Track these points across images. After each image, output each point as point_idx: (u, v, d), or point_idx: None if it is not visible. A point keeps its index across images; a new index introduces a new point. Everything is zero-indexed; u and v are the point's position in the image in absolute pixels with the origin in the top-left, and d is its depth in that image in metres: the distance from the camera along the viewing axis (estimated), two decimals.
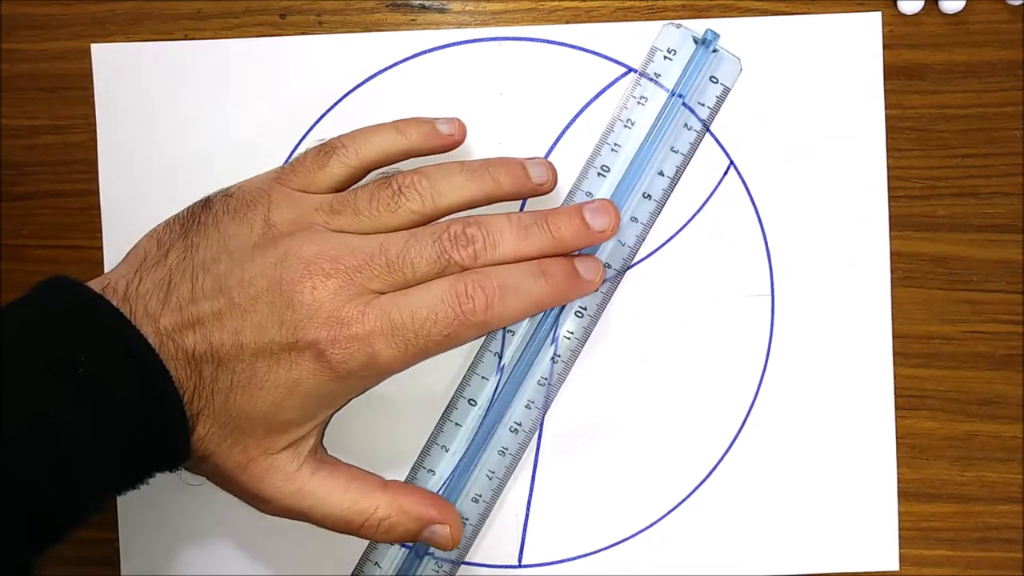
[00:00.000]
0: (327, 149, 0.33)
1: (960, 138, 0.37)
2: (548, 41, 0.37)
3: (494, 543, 0.37)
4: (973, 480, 0.37)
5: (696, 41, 0.36)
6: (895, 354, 0.37)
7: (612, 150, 0.36)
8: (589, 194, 0.36)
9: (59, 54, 0.37)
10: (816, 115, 0.37)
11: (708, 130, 0.37)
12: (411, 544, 0.35)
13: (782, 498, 0.37)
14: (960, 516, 0.37)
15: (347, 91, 0.37)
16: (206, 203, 0.32)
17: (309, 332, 0.30)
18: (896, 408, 0.37)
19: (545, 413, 0.36)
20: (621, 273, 0.37)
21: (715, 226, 0.37)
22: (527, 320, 0.36)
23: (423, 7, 0.37)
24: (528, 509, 0.37)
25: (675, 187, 0.36)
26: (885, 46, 0.37)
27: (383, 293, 0.31)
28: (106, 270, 0.37)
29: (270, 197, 0.32)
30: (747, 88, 0.37)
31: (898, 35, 0.37)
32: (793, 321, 0.37)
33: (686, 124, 0.36)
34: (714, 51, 0.36)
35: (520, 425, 0.36)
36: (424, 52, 0.37)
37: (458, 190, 0.32)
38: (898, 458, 0.37)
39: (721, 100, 0.37)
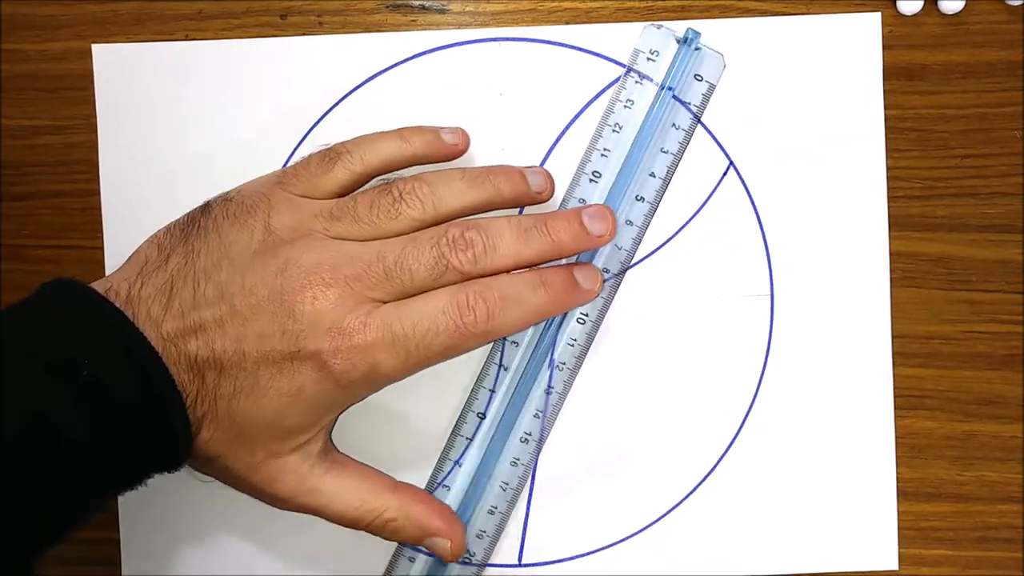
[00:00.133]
0: (331, 154, 0.33)
1: (959, 138, 0.37)
2: (548, 42, 0.37)
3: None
4: (972, 480, 0.37)
5: (678, 41, 0.36)
6: (894, 354, 0.37)
7: (602, 155, 0.36)
8: (582, 201, 0.36)
9: (59, 54, 0.37)
10: (815, 115, 0.37)
11: (700, 124, 0.37)
12: None
13: (781, 497, 0.37)
14: (959, 516, 0.37)
15: (347, 92, 0.37)
16: (206, 208, 0.32)
17: (311, 342, 0.30)
18: (895, 408, 0.37)
19: (554, 422, 0.37)
20: (619, 276, 0.37)
21: (714, 227, 0.37)
22: (530, 330, 0.36)
23: (423, 8, 0.37)
24: (528, 509, 0.37)
25: (667, 188, 0.37)
26: (885, 46, 0.37)
27: (385, 301, 0.31)
28: (107, 270, 0.37)
29: (270, 202, 0.32)
30: (746, 88, 0.37)
31: (898, 35, 0.37)
32: (792, 321, 0.37)
33: (674, 124, 0.36)
34: (696, 49, 0.36)
35: (530, 435, 0.36)
36: (424, 53, 0.37)
37: (458, 196, 0.33)
38: (897, 458, 0.37)
39: (707, 97, 0.37)
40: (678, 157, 0.37)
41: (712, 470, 0.37)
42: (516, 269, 0.32)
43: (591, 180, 0.36)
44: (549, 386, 0.36)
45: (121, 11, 0.37)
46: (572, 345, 0.36)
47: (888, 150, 0.37)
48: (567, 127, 0.37)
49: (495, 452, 0.36)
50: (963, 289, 0.37)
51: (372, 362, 0.30)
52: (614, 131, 0.36)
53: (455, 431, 0.36)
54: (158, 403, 0.29)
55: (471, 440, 0.36)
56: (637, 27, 0.37)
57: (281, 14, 0.37)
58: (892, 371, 0.37)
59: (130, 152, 0.37)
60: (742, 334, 0.37)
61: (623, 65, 0.37)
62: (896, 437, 0.37)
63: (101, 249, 0.37)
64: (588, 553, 0.37)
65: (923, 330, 0.37)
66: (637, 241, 0.36)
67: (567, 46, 0.37)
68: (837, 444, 0.37)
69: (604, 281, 0.35)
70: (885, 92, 0.37)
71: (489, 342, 0.33)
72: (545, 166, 0.37)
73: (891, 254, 0.37)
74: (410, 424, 0.37)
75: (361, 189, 0.34)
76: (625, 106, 0.36)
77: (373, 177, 0.34)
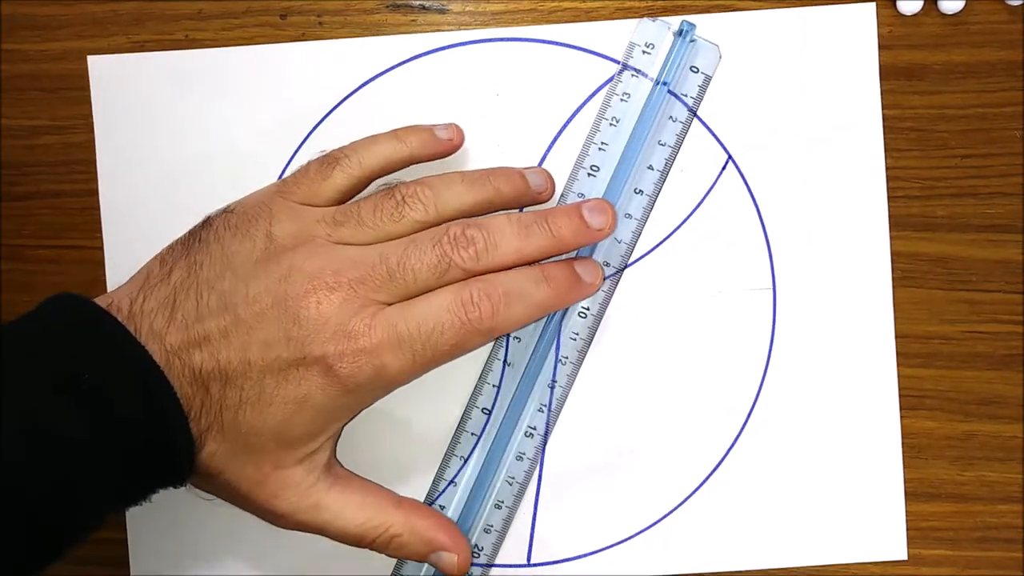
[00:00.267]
0: (330, 160, 0.33)
1: (959, 138, 0.37)
2: (548, 42, 0.37)
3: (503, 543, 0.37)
4: (973, 480, 0.37)
5: (674, 33, 0.36)
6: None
7: (600, 149, 0.36)
8: (581, 195, 0.36)
9: (59, 55, 0.37)
10: (813, 108, 0.37)
11: (697, 118, 0.37)
12: None
13: (786, 491, 0.37)
14: (960, 516, 0.37)
15: (345, 95, 0.37)
16: (207, 222, 0.32)
17: (316, 347, 0.30)
18: None
19: (558, 416, 0.37)
20: (620, 271, 0.37)
21: (715, 221, 0.37)
22: (532, 325, 0.36)
23: (423, 8, 0.37)
24: (536, 508, 0.37)
25: (665, 180, 0.37)
26: (884, 46, 0.37)
27: (389, 303, 0.31)
28: (107, 270, 0.37)
29: (271, 211, 0.32)
30: (743, 82, 0.37)
31: (897, 35, 0.37)
32: (796, 315, 0.37)
33: (671, 116, 0.36)
34: (692, 41, 0.36)
35: (535, 429, 0.36)
36: (424, 54, 0.37)
37: (459, 198, 0.33)
38: None
39: (703, 89, 0.37)
40: (675, 149, 0.37)
41: (719, 464, 0.37)
42: (518, 265, 0.32)
43: (590, 174, 0.36)
44: (553, 380, 0.36)
45: (121, 11, 0.37)
46: (575, 339, 0.36)
47: (888, 150, 0.37)
48: (565, 125, 0.37)
49: (501, 447, 0.36)
50: (963, 289, 0.37)
51: (378, 364, 0.30)
52: (611, 125, 0.36)
53: (460, 427, 0.37)
54: (160, 418, 0.29)
55: (477, 436, 0.36)
56: (633, 24, 0.37)
57: (281, 14, 0.37)
58: (896, 359, 0.37)
59: (128, 153, 0.37)
60: (746, 328, 0.37)
61: (620, 63, 0.37)
62: None
63: (101, 249, 0.37)
64: (597, 551, 0.37)
65: (923, 330, 0.37)
66: (637, 234, 0.37)
67: (567, 46, 0.37)
68: (842, 437, 0.37)
69: (605, 275, 0.36)
70: (885, 92, 0.37)
71: (494, 339, 0.33)
72: (543, 165, 0.37)
73: (891, 254, 0.37)
74: (413, 425, 0.37)
75: (362, 194, 0.34)
76: (622, 100, 0.36)
77: (372, 180, 0.34)
